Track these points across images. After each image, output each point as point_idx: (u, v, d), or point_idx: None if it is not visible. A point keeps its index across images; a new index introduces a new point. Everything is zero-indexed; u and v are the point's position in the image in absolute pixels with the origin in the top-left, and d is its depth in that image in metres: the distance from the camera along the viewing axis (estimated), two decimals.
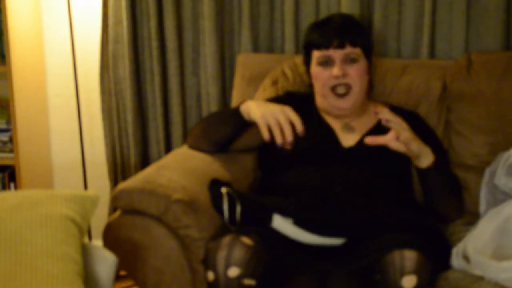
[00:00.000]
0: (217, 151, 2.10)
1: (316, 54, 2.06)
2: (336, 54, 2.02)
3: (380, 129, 1.89)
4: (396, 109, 2.16)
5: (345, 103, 2.06)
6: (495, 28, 2.36)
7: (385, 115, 1.79)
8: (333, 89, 2.05)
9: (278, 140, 1.82)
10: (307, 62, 2.12)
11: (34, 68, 2.84)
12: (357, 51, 2.04)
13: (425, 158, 1.90)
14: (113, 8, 2.69)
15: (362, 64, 2.05)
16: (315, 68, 2.07)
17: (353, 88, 2.04)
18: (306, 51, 2.11)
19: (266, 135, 1.84)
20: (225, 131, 2.05)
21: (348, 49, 2.02)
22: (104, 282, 1.69)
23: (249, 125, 1.96)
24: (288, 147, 1.82)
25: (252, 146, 2.15)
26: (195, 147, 2.13)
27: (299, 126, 1.82)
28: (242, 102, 2.00)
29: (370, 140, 1.83)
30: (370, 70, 2.12)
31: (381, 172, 1.92)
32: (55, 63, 2.90)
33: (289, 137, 1.81)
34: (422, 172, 1.92)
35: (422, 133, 2.10)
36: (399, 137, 1.82)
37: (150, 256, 1.85)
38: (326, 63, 2.04)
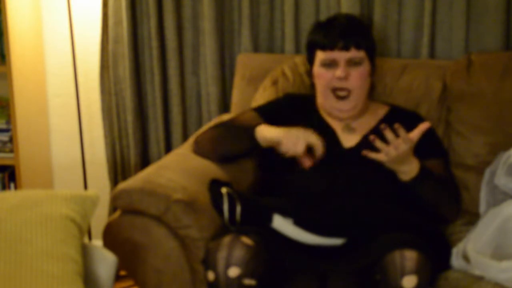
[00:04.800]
0: (222, 163, 2.07)
1: (320, 55, 2.05)
2: (341, 56, 2.01)
3: (380, 130, 1.89)
4: (397, 110, 2.16)
5: (346, 105, 2.05)
6: (495, 28, 2.36)
7: (377, 143, 1.83)
8: (334, 90, 2.05)
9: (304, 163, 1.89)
10: (310, 61, 2.12)
11: (34, 68, 2.84)
12: (361, 55, 2.03)
13: (405, 175, 1.90)
14: (113, 8, 2.69)
15: (365, 67, 2.05)
16: (318, 69, 2.07)
17: (353, 92, 2.03)
18: (310, 50, 2.11)
19: (288, 151, 1.88)
20: (235, 148, 2.04)
21: (353, 52, 2.01)
22: (104, 282, 1.69)
23: (260, 148, 1.96)
24: (306, 167, 1.90)
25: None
26: (200, 154, 2.09)
27: (319, 151, 1.89)
28: (256, 123, 2.01)
29: (366, 153, 1.87)
30: (373, 72, 2.11)
31: (381, 172, 1.92)
32: (55, 63, 2.90)
33: (307, 162, 1.89)
34: (405, 184, 1.92)
35: (422, 133, 2.10)
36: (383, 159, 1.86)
37: (150, 256, 1.85)
38: (330, 65, 2.04)
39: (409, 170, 1.90)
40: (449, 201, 2.04)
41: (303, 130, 1.90)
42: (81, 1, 2.77)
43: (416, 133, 1.84)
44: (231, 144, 2.05)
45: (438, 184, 1.97)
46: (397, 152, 1.82)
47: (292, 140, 1.88)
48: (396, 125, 1.80)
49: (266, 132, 1.94)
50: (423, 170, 1.91)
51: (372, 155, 1.85)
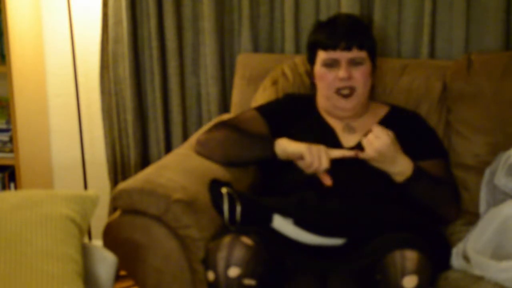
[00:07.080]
0: (227, 166, 2.04)
1: (322, 55, 2.05)
2: (343, 56, 2.01)
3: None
4: (397, 110, 2.16)
5: (349, 104, 2.05)
6: (495, 28, 2.36)
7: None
8: (338, 91, 2.04)
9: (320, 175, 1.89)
10: (311, 61, 2.11)
11: (34, 68, 2.84)
12: (363, 55, 2.03)
13: (399, 176, 1.91)
14: (113, 8, 2.69)
15: (367, 67, 2.05)
16: (319, 69, 2.07)
17: (357, 91, 2.04)
18: (311, 50, 2.11)
19: (313, 164, 1.87)
20: (247, 157, 2.02)
21: (355, 52, 2.01)
22: (104, 282, 1.69)
23: (272, 160, 1.96)
24: (328, 184, 1.88)
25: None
26: (204, 155, 2.06)
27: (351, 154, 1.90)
28: (266, 133, 2.06)
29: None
30: (374, 72, 2.11)
31: (381, 172, 1.92)
32: (55, 63, 2.90)
33: (328, 180, 1.88)
34: (401, 185, 1.93)
35: (422, 133, 2.10)
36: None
37: (150, 256, 1.85)
38: (332, 64, 2.03)
39: (401, 171, 1.90)
40: (448, 201, 2.03)
41: (323, 146, 1.89)
42: (81, 1, 2.77)
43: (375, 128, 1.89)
44: (243, 151, 2.02)
45: (434, 185, 1.97)
46: (373, 145, 1.85)
47: (316, 154, 1.86)
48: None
49: (287, 146, 1.93)
50: (417, 170, 1.91)
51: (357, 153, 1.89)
